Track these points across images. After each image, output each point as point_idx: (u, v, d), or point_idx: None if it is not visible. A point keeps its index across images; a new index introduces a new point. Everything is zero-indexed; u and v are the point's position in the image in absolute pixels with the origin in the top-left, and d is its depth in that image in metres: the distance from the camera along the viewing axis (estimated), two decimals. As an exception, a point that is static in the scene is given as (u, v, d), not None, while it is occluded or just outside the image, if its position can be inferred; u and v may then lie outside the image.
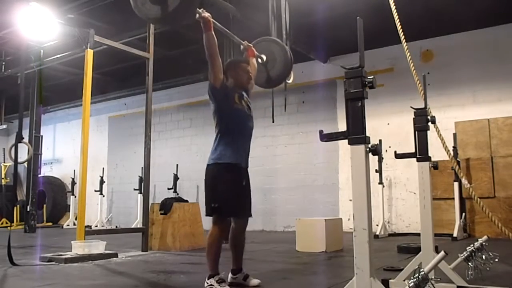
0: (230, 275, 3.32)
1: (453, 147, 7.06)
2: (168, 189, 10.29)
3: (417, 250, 3.41)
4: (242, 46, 3.69)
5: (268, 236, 8.16)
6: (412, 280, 1.96)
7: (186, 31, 7.79)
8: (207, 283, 3.10)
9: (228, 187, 3.13)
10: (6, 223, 11.37)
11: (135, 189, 10.48)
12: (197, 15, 2.91)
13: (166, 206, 6.09)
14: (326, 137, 2.08)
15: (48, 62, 9.17)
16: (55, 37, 8.17)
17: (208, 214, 3.16)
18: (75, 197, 11.25)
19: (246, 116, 3.32)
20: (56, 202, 12.67)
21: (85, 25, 6.78)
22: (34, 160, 9.82)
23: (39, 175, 10.59)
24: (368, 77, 2.01)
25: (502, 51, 7.67)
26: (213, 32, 3.08)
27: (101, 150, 12.42)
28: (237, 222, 3.30)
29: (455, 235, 6.53)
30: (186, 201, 6.69)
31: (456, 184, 6.93)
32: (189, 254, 5.49)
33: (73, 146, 13.09)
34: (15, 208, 11.25)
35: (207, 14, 3.01)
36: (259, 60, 3.82)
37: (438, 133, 3.31)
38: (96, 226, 10.88)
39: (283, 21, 4.75)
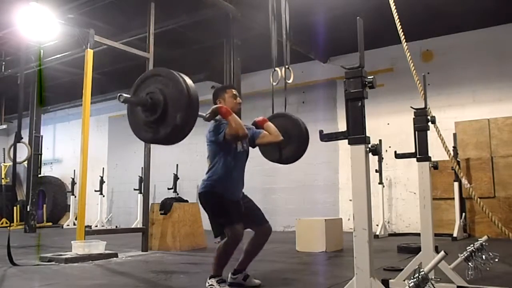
0: (230, 275, 3.34)
1: (453, 147, 7.06)
2: (168, 189, 10.29)
3: (417, 250, 3.42)
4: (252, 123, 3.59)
5: (268, 236, 8.15)
6: (412, 280, 1.96)
7: (187, 31, 7.79)
8: (208, 283, 3.15)
9: (227, 204, 3.20)
10: (6, 223, 11.37)
11: (135, 189, 10.48)
12: (207, 116, 3.04)
13: (166, 206, 6.09)
14: (326, 137, 2.08)
15: (48, 62, 9.15)
16: (55, 37, 8.15)
17: (218, 234, 3.23)
18: (75, 197, 11.24)
19: (241, 154, 3.34)
20: (56, 202, 12.66)
21: (85, 25, 6.76)
22: (34, 160, 9.82)
23: (39, 175, 10.58)
24: (368, 77, 2.01)
25: (502, 51, 7.67)
26: (234, 115, 3.15)
27: (101, 150, 12.41)
28: (256, 230, 3.36)
29: (455, 235, 6.54)
30: (186, 201, 6.69)
31: (456, 184, 6.93)
32: (189, 254, 5.49)
33: (73, 146, 13.08)
34: (15, 208, 11.24)
35: (215, 107, 3.17)
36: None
37: (438, 133, 3.31)
38: (96, 226, 10.88)
39: (283, 21, 4.74)
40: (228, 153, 3.26)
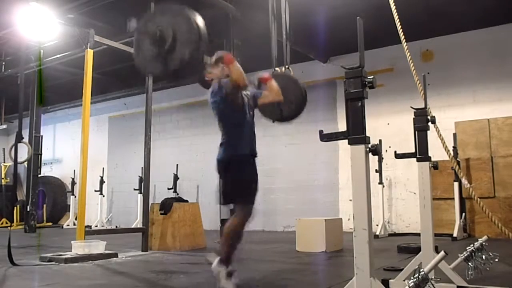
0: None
1: (453, 147, 7.06)
2: (168, 189, 10.29)
3: (417, 250, 3.42)
4: (256, 82, 3.58)
5: (268, 236, 8.16)
6: (412, 280, 1.96)
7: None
8: (217, 269, 3.04)
9: (247, 175, 3.22)
10: (6, 223, 11.37)
11: (135, 189, 10.48)
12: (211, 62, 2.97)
13: (166, 206, 6.09)
14: (326, 137, 2.08)
15: (48, 62, 9.16)
16: (55, 37, 8.16)
17: (227, 202, 3.26)
18: (75, 197, 11.24)
19: (245, 112, 3.33)
20: (56, 202, 12.66)
21: (85, 25, 6.77)
22: (34, 160, 9.82)
23: (39, 175, 10.58)
24: (368, 77, 2.01)
25: (502, 51, 7.67)
26: (236, 63, 3.09)
27: (101, 150, 12.41)
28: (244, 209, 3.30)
29: (455, 235, 6.53)
30: (186, 201, 6.69)
31: (456, 184, 6.93)
32: (189, 254, 5.49)
33: (73, 146, 13.08)
34: (15, 208, 11.24)
35: (221, 54, 3.11)
36: None
37: (438, 133, 3.32)
38: (96, 226, 10.88)
39: (283, 21, 4.74)
40: (233, 112, 3.25)
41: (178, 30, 2.42)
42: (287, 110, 3.78)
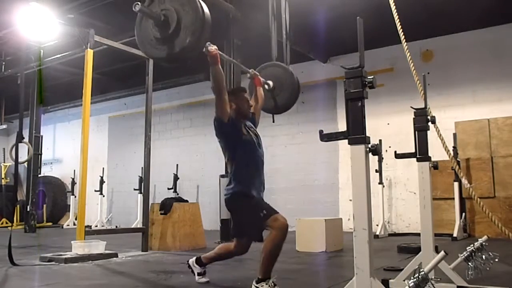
0: (193, 260, 3.55)
1: (453, 147, 7.06)
2: (168, 189, 10.29)
3: (417, 250, 3.42)
4: (248, 75, 3.65)
5: (268, 236, 8.14)
6: (412, 280, 1.96)
7: None
8: (256, 287, 3.00)
9: (258, 200, 3.16)
10: (6, 223, 11.37)
11: (135, 189, 10.48)
12: (204, 49, 2.85)
13: (166, 206, 6.09)
14: (326, 137, 2.08)
15: (48, 62, 9.16)
16: (55, 37, 8.16)
17: (234, 236, 3.27)
18: (75, 197, 11.25)
19: (256, 146, 3.26)
20: (56, 202, 12.66)
21: (85, 25, 6.77)
22: (34, 160, 9.82)
23: (39, 175, 10.58)
24: (368, 77, 2.01)
25: (502, 51, 7.67)
26: (220, 66, 3.01)
27: (101, 150, 12.42)
28: (240, 242, 3.32)
29: (455, 235, 6.53)
30: (186, 201, 6.69)
31: (456, 184, 6.93)
32: (189, 254, 5.46)
33: (73, 146, 13.08)
34: (15, 208, 11.24)
35: (214, 48, 2.92)
36: (266, 86, 3.77)
37: (438, 133, 3.31)
38: (96, 226, 10.88)
39: (283, 21, 4.74)
40: (241, 149, 3.16)
41: (183, 15, 2.42)
42: (280, 99, 3.79)
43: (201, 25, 2.39)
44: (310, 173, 9.22)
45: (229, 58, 3.19)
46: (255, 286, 3.00)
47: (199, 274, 3.49)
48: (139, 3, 2.42)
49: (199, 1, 2.43)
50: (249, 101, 3.37)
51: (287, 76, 3.85)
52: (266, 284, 2.96)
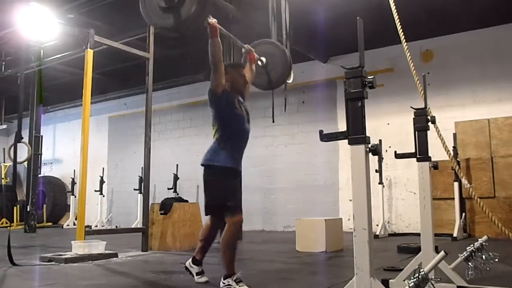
0: (189, 261, 3.52)
1: (453, 147, 7.06)
2: (168, 189, 10.29)
3: (417, 250, 3.41)
4: (243, 50, 3.71)
5: (268, 236, 8.15)
6: (412, 280, 1.96)
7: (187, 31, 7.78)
8: (224, 283, 3.11)
9: (235, 187, 3.24)
10: (6, 223, 11.37)
11: (135, 189, 10.47)
12: (205, 22, 2.93)
13: (166, 206, 6.09)
14: (326, 137, 2.08)
15: (48, 62, 9.16)
16: (55, 37, 8.16)
17: (210, 212, 3.28)
18: (75, 197, 11.25)
19: (245, 121, 3.37)
20: (56, 202, 12.66)
21: (85, 25, 6.77)
22: (34, 160, 9.82)
23: (39, 175, 10.58)
24: (368, 77, 2.01)
25: (502, 51, 7.67)
26: (219, 39, 3.11)
27: (101, 150, 12.42)
28: (222, 220, 3.32)
29: (455, 235, 6.53)
30: (186, 201, 6.69)
31: (456, 184, 6.93)
32: (189, 254, 5.43)
33: (73, 146, 13.09)
34: (15, 208, 11.24)
35: (214, 20, 3.03)
36: (259, 63, 3.84)
37: (438, 133, 3.31)
38: (96, 226, 10.88)
39: (283, 21, 4.74)
40: (231, 122, 3.27)
41: None
42: (274, 74, 3.86)
43: None
44: (310, 173, 9.22)
45: (227, 32, 3.24)
46: (222, 282, 3.13)
47: (197, 274, 3.47)
48: None
49: None
50: (246, 78, 3.47)
51: (280, 53, 3.93)
52: (232, 279, 3.08)
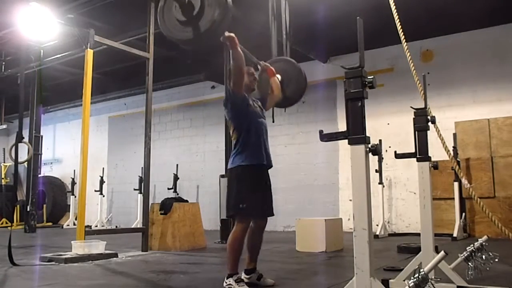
0: (243, 274, 3.34)
1: (453, 147, 7.06)
2: (168, 189, 10.29)
3: (417, 250, 3.41)
4: (259, 67, 3.73)
5: (268, 236, 8.11)
6: (412, 280, 1.96)
7: None
8: (226, 282, 3.15)
9: (253, 188, 3.24)
10: (6, 223, 11.37)
11: (135, 189, 10.48)
12: (222, 38, 3.00)
13: (166, 206, 6.09)
14: (326, 137, 2.08)
15: (48, 62, 9.16)
16: (55, 37, 8.16)
17: (230, 215, 3.30)
18: (75, 197, 11.25)
19: (260, 117, 3.43)
20: (56, 202, 12.67)
21: (85, 25, 6.77)
22: (34, 160, 9.82)
23: (39, 175, 10.59)
24: (368, 77, 2.00)
25: (502, 51, 7.67)
26: (239, 49, 3.18)
27: (101, 150, 12.43)
28: (258, 221, 3.37)
29: (455, 235, 6.53)
30: (186, 201, 6.69)
31: (456, 184, 6.93)
32: (189, 254, 5.49)
33: (73, 146, 13.10)
34: (15, 208, 11.24)
35: (232, 34, 3.12)
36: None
37: (438, 133, 3.31)
38: (96, 226, 10.88)
39: (283, 21, 4.75)
40: (251, 119, 3.32)
41: None
42: (288, 92, 3.84)
43: (225, 4, 2.45)
44: (310, 173, 9.22)
45: (243, 48, 3.27)
46: (225, 282, 3.16)
47: (237, 281, 3.16)
48: None
49: None
50: (254, 75, 3.51)
51: (295, 71, 3.91)
52: (233, 279, 3.13)
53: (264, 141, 3.37)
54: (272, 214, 3.43)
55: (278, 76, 3.84)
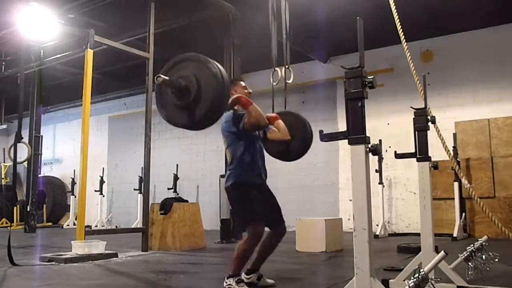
0: (243, 275, 3.34)
1: (453, 147, 7.05)
2: (168, 189, 10.29)
3: (417, 250, 3.41)
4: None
5: (268, 236, 8.13)
6: (412, 280, 1.96)
7: (187, 31, 7.79)
8: (226, 282, 3.16)
9: (256, 200, 3.26)
10: (6, 223, 11.37)
11: (135, 189, 10.47)
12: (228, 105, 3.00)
13: (166, 206, 6.09)
14: (326, 137, 2.08)
15: (48, 62, 9.16)
16: (55, 37, 8.16)
17: (243, 228, 3.36)
18: (75, 197, 11.24)
19: (256, 139, 3.40)
20: (56, 202, 12.66)
21: (85, 25, 6.76)
22: (34, 160, 9.82)
23: (39, 175, 10.58)
24: (368, 77, 2.00)
25: (502, 51, 7.67)
26: (254, 105, 3.18)
27: (101, 150, 12.42)
28: (276, 228, 3.39)
29: (455, 235, 6.53)
30: (186, 201, 6.69)
31: (456, 184, 6.93)
32: (189, 254, 5.49)
33: (73, 146, 13.09)
34: (15, 208, 11.24)
35: (235, 96, 3.15)
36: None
37: (438, 133, 3.31)
38: (96, 226, 10.88)
39: (283, 21, 4.73)
40: (246, 140, 3.30)
41: (203, 81, 2.45)
42: (292, 147, 3.75)
43: (221, 83, 2.42)
44: (310, 173, 9.22)
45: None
46: (225, 282, 3.17)
47: (237, 282, 3.18)
48: (161, 75, 2.42)
49: (216, 65, 2.46)
50: (247, 89, 3.45)
51: (299, 125, 3.79)
52: (233, 279, 3.14)
53: (260, 161, 3.37)
54: (282, 222, 3.45)
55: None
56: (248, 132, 3.26)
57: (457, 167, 4.49)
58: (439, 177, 7.15)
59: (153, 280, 3.75)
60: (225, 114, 3.29)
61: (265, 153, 3.51)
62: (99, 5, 6.75)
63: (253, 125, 3.19)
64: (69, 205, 12.04)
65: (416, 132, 3.11)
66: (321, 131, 2.07)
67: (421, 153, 3.08)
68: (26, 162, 8.58)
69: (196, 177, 10.78)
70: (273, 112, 4.06)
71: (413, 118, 3.12)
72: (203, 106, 2.43)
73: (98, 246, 5.06)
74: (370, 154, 1.99)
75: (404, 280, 2.78)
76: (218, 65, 2.47)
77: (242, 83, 3.46)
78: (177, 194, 9.94)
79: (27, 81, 8.89)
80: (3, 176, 12.34)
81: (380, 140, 7.32)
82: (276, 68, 4.45)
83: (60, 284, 3.57)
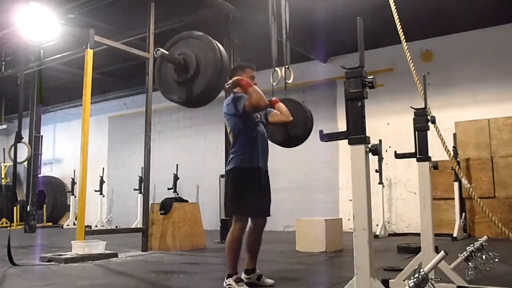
0: (243, 275, 3.33)
1: (453, 147, 7.05)
2: (168, 189, 10.29)
3: (417, 250, 3.42)
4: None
5: (268, 236, 8.11)
6: (412, 280, 1.96)
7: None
8: (226, 282, 3.16)
9: (250, 188, 3.22)
10: (6, 223, 11.37)
11: (135, 189, 10.48)
12: (226, 85, 2.98)
13: (166, 206, 6.09)
14: (326, 137, 2.08)
15: (48, 62, 9.16)
16: (55, 37, 8.16)
17: (229, 214, 3.34)
18: (75, 197, 11.25)
19: (258, 123, 3.37)
20: (56, 202, 12.67)
21: (85, 25, 6.77)
22: (34, 160, 9.82)
23: (39, 175, 10.58)
24: (368, 77, 2.00)
25: (502, 51, 7.67)
26: (254, 86, 3.16)
27: (101, 150, 12.42)
28: (256, 222, 3.35)
29: (455, 235, 6.53)
30: (186, 201, 6.69)
31: (456, 184, 6.93)
32: (189, 254, 5.49)
33: (73, 146, 13.08)
34: (15, 208, 11.24)
35: (235, 79, 3.13)
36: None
37: (438, 133, 3.31)
38: (96, 226, 10.88)
39: (283, 21, 4.74)
40: (248, 123, 3.28)
41: (202, 59, 2.46)
42: (293, 132, 3.76)
43: (220, 68, 2.43)
44: (310, 173, 9.22)
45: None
46: (225, 282, 3.17)
47: (237, 281, 3.17)
48: (160, 48, 2.43)
49: (216, 44, 2.46)
50: (255, 78, 3.40)
51: (301, 111, 3.79)
52: (232, 279, 3.14)
53: (262, 147, 3.33)
54: (269, 215, 3.40)
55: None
56: (249, 114, 3.23)
57: (457, 167, 4.49)
58: (439, 177, 7.15)
59: (153, 280, 3.75)
60: (226, 99, 3.34)
61: (268, 150, 3.46)
62: (99, 5, 6.75)
63: (253, 106, 3.14)
64: (69, 205, 12.04)
65: (416, 132, 3.11)
66: (321, 131, 2.07)
67: (421, 153, 3.08)
68: (26, 162, 8.59)
69: (196, 177, 10.78)
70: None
71: (413, 118, 3.12)
72: (201, 82, 2.45)
73: (98, 246, 5.06)
74: (370, 154, 1.99)
75: (404, 280, 2.78)
76: (218, 44, 2.49)
77: (251, 72, 3.40)
78: (177, 194, 9.93)
79: (27, 81, 8.88)
80: (3, 176, 12.35)
81: (380, 140, 7.32)
82: (276, 68, 4.45)
83: (60, 284, 3.57)
